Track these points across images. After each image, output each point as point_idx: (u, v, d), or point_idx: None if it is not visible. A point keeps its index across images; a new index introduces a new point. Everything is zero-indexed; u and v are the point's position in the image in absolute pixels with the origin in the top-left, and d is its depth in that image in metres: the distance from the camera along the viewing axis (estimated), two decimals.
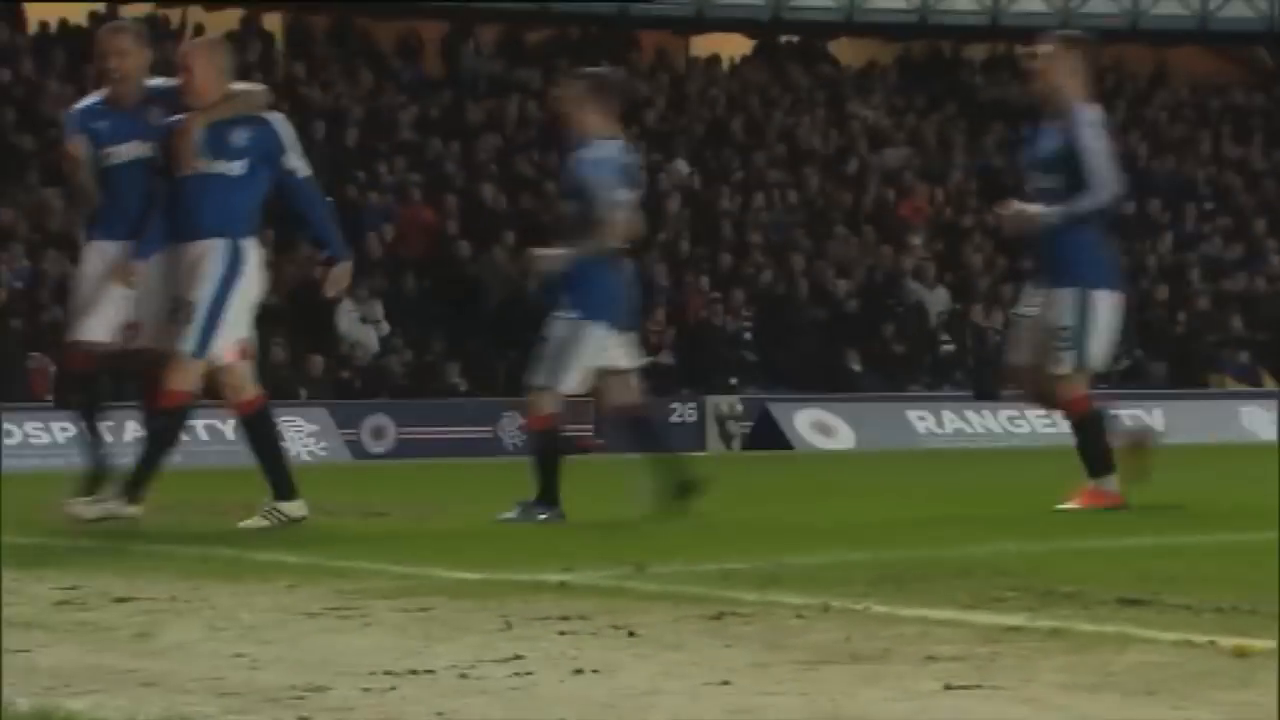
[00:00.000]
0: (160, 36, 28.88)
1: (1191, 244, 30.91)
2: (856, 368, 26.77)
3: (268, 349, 23.89)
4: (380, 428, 23.65)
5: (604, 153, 9.35)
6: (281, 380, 23.75)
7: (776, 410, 25.06)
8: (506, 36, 31.68)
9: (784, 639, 4.96)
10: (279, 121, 9.10)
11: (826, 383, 26.15)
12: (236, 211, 8.93)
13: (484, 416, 24.26)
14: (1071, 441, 9.43)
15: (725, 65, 32.57)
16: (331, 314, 24.89)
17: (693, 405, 24.94)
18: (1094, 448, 9.32)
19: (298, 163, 9.06)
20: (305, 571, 6.84)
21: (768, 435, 24.75)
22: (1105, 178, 9.17)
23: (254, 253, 9.02)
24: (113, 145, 8.97)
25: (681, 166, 29.51)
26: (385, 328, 25.27)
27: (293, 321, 24.68)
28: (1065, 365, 9.25)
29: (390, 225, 26.54)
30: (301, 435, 22.56)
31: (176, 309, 8.88)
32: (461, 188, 27.73)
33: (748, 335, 26.52)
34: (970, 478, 14.25)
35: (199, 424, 20.00)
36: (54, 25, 28.35)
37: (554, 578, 6.39)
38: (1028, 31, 33.14)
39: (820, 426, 24.89)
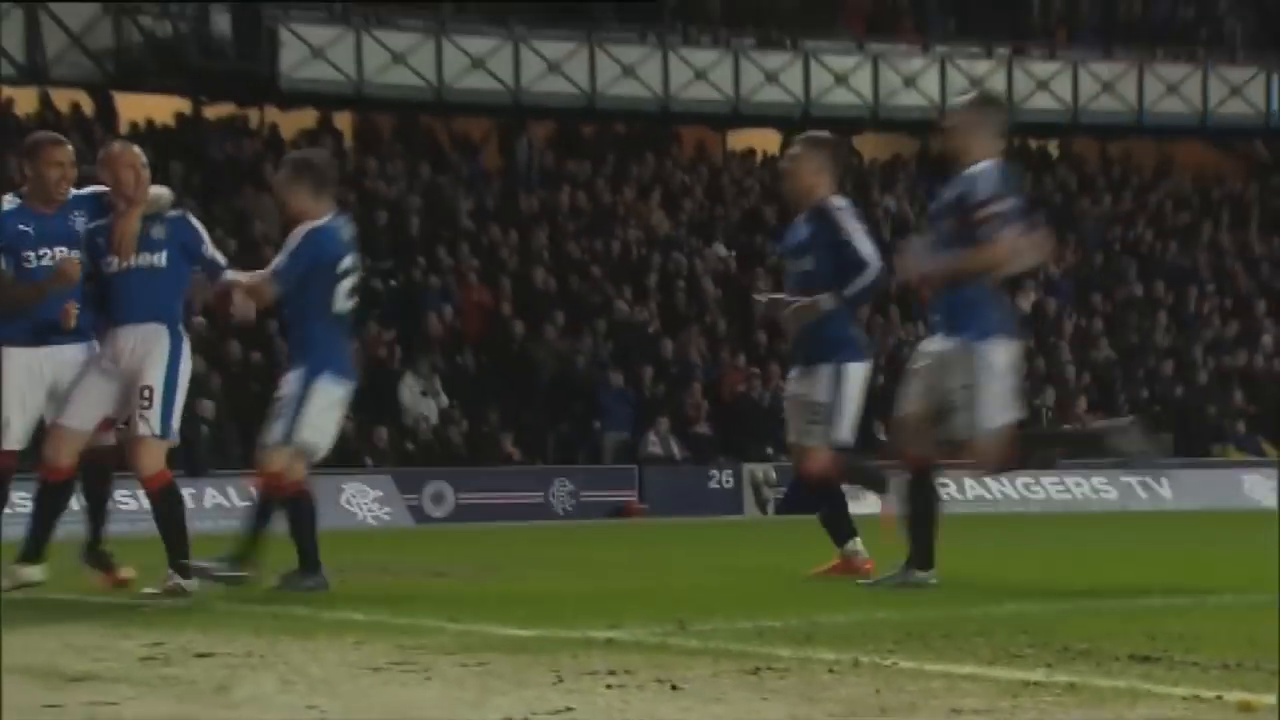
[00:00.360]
0: (240, 134, 29.17)
1: (1194, 324, 30.81)
2: (882, 438, 26.71)
3: None
4: (440, 493, 23.66)
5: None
6: (348, 450, 23.83)
7: None
8: (558, 132, 31.86)
9: (817, 692, 4.93)
10: (190, 217, 9.20)
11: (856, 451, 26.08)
12: (168, 300, 9.01)
13: (536, 483, 24.28)
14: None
15: (759, 158, 32.69)
16: (395, 388, 24.98)
17: (730, 472, 24.89)
18: (835, 519, 9.45)
19: (215, 252, 9.20)
20: (371, 628, 6.82)
21: (800, 501, 24.63)
22: (869, 256, 9.17)
23: (186, 337, 9.10)
24: (39, 248, 8.96)
25: (719, 250, 29.56)
26: (445, 400, 25.33)
27: (359, 396, 24.71)
28: (815, 439, 9.27)
29: (449, 306, 26.64)
30: (367, 500, 22.59)
31: (139, 395, 8.87)
32: (515, 271, 27.84)
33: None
34: (988, 541, 14.16)
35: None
36: (142, 124, 28.65)
37: (601, 634, 6.37)
38: (1039, 127, 33.60)
39: (847, 493, 24.77)
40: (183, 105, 29.02)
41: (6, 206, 9.04)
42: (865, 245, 9.18)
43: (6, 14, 27.13)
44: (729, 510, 24.27)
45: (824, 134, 9.84)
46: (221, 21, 27.97)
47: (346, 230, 9.23)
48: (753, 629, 6.52)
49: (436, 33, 29.57)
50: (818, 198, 9.35)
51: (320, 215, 9.07)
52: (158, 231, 9.04)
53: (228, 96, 29.08)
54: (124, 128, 28.27)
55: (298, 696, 5.07)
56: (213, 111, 29.38)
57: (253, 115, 29.48)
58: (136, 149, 9.23)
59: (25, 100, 28.02)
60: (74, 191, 9.14)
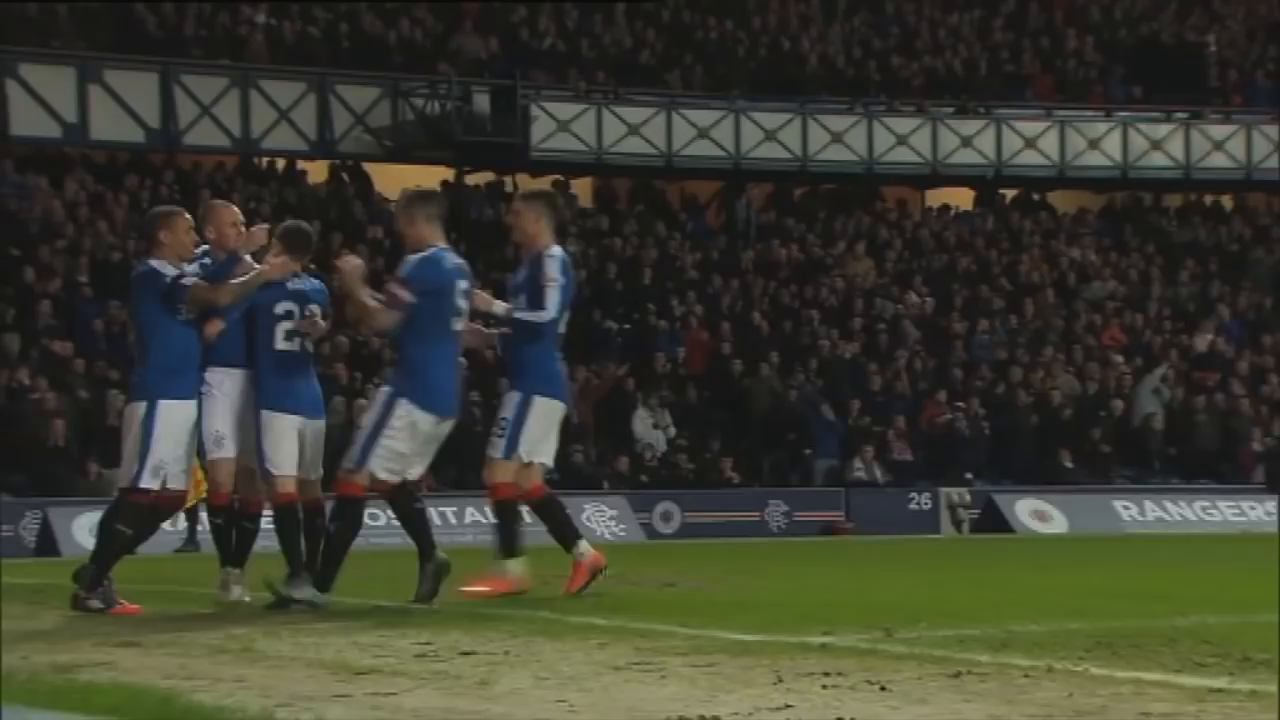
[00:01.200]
0: (497, 198, 29.65)
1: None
2: (1069, 464, 26.17)
3: (568, 451, 24.18)
4: (669, 513, 23.71)
5: None
6: (589, 474, 24.01)
7: (1000, 500, 24.57)
8: (774, 192, 31.85)
9: (1015, 695, 4.83)
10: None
11: (1043, 476, 25.60)
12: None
13: (753, 503, 24.21)
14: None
15: (954, 213, 32.33)
16: (629, 420, 25.11)
17: (928, 495, 24.56)
18: (505, 533, 9.08)
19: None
20: (613, 632, 6.84)
21: (993, 521, 24.26)
22: (552, 303, 8.99)
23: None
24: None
25: (917, 296, 29.27)
26: (672, 431, 25.40)
27: (596, 427, 24.96)
28: (496, 451, 9.03)
29: (677, 347, 26.75)
30: (604, 519, 22.73)
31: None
32: (735, 316, 27.85)
33: (985, 429, 26.16)
34: (1170, 559, 13.75)
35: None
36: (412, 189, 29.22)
37: (817, 639, 6.31)
38: (1217, 184, 32.71)
39: (1038, 514, 24.34)
40: (447, 173, 29.60)
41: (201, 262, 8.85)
42: (553, 296, 9.04)
43: (303, 97, 27.97)
44: (927, 529, 23.94)
45: (543, 189, 9.83)
46: (482, 100, 28.53)
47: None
48: (953, 636, 6.40)
49: (667, 107, 29.78)
50: (538, 246, 9.16)
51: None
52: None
53: (486, 165, 29.59)
54: (397, 193, 28.88)
55: (550, 691, 5.10)
56: (473, 178, 29.92)
57: (507, 181, 29.95)
58: (234, 207, 9.18)
59: (316, 171, 28.84)
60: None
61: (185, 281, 8.50)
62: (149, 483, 8.50)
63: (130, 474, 8.54)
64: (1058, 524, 24.18)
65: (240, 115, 27.50)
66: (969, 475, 25.20)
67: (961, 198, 32.52)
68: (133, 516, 8.59)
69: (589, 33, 30.87)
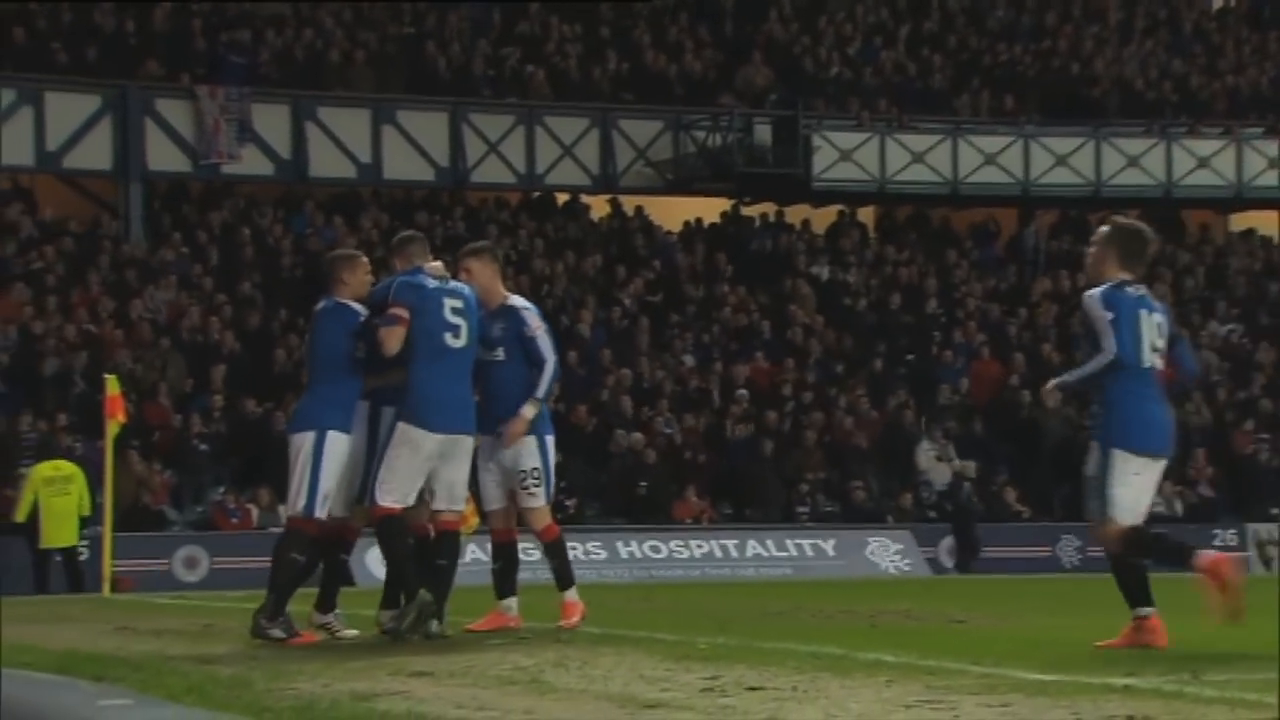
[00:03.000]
0: (777, 230, 29.65)
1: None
2: None
3: (850, 486, 23.95)
4: (954, 547, 23.32)
5: None
6: (872, 509, 23.78)
7: None
8: (1061, 219, 31.12)
9: None
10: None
11: None
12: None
13: (1044, 538, 23.66)
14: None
15: (1259, 237, 31.12)
16: (912, 453, 24.80)
17: (1234, 531, 23.60)
18: (503, 576, 9.35)
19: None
20: (901, 669, 6.72)
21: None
22: (549, 349, 9.33)
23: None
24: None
25: (1218, 328, 28.21)
26: (958, 463, 24.99)
27: (879, 460, 24.71)
28: (537, 500, 9.32)
29: (963, 379, 26.32)
30: (888, 553, 22.47)
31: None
32: (1023, 347, 27.27)
33: None
34: None
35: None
36: (693, 222, 29.50)
37: (1119, 680, 6.09)
38: None
39: None
40: (726, 205, 29.75)
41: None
42: (547, 342, 9.39)
43: (586, 132, 28.48)
44: None
45: (482, 242, 10.00)
46: (763, 131, 28.63)
47: None
48: (1266, 681, 6.10)
49: (953, 133, 29.39)
50: (498, 298, 9.36)
51: None
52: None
53: (767, 196, 29.65)
54: (676, 225, 29.19)
55: None
56: (752, 210, 30.02)
57: (788, 212, 29.95)
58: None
59: (598, 205, 29.32)
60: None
61: (377, 323, 8.79)
62: (319, 512, 8.75)
63: (300, 503, 8.78)
64: None
65: (525, 151, 28.15)
66: (1276, 510, 24.12)
67: (1266, 221, 31.27)
68: (303, 545, 8.83)
69: (872, 60, 30.69)
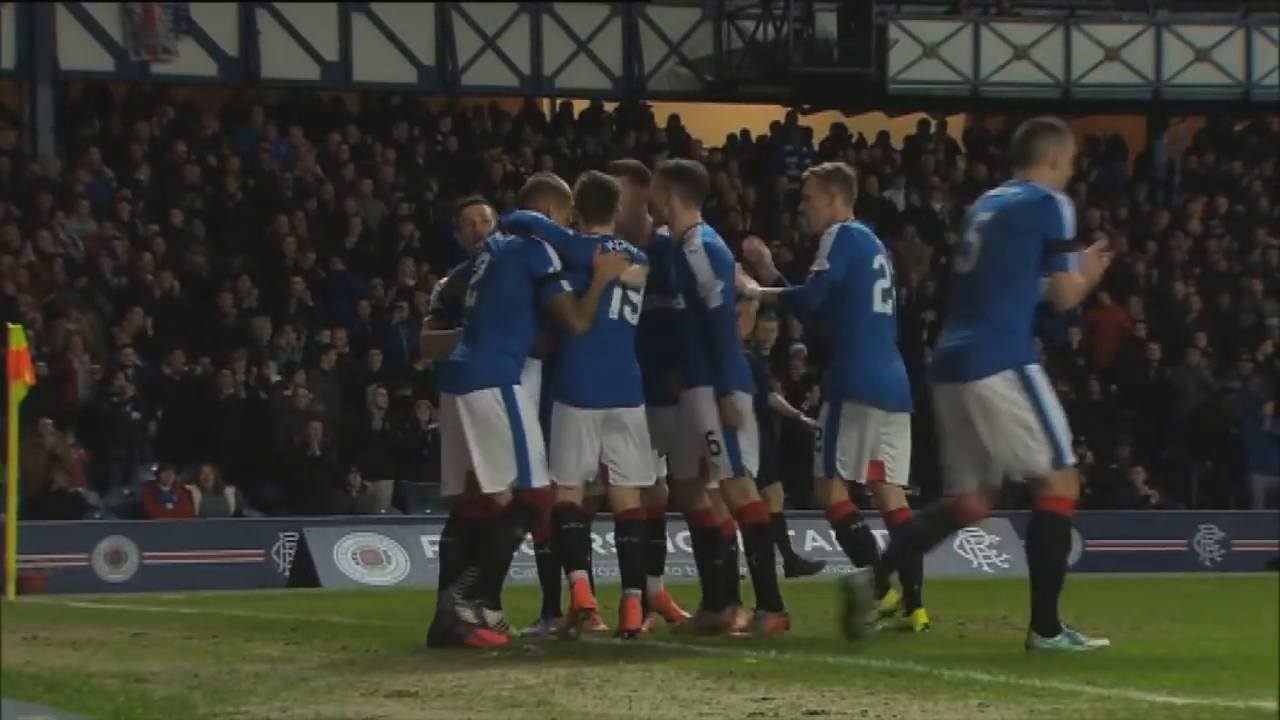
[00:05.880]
0: (844, 144, 29.61)
1: None
2: None
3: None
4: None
5: None
6: None
7: None
8: (1205, 128, 30.97)
9: None
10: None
11: None
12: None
13: (1177, 529, 23.70)
14: None
15: None
16: None
17: None
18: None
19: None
20: (997, 690, 6.75)
21: None
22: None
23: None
24: None
25: None
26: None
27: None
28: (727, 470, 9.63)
29: (1075, 329, 26.26)
30: (982, 547, 22.51)
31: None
32: (1152, 290, 27.20)
33: None
34: None
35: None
36: (738, 136, 29.45)
37: (1270, 704, 6.10)
38: None
39: None
40: (779, 113, 29.66)
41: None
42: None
43: (606, 23, 28.42)
44: None
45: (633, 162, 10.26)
46: (827, 22, 28.40)
47: None
48: None
49: (1065, 21, 29.26)
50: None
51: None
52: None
53: (831, 103, 29.58)
54: (719, 139, 29.15)
55: None
56: (812, 119, 29.94)
57: (858, 122, 29.87)
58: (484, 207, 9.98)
59: (621, 114, 29.25)
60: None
61: (565, 285, 9.21)
62: (542, 479, 9.11)
63: (506, 475, 9.07)
64: None
65: (529, 47, 28.13)
66: None
67: None
68: (529, 519, 9.19)
69: None
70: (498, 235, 9.37)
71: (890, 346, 9.89)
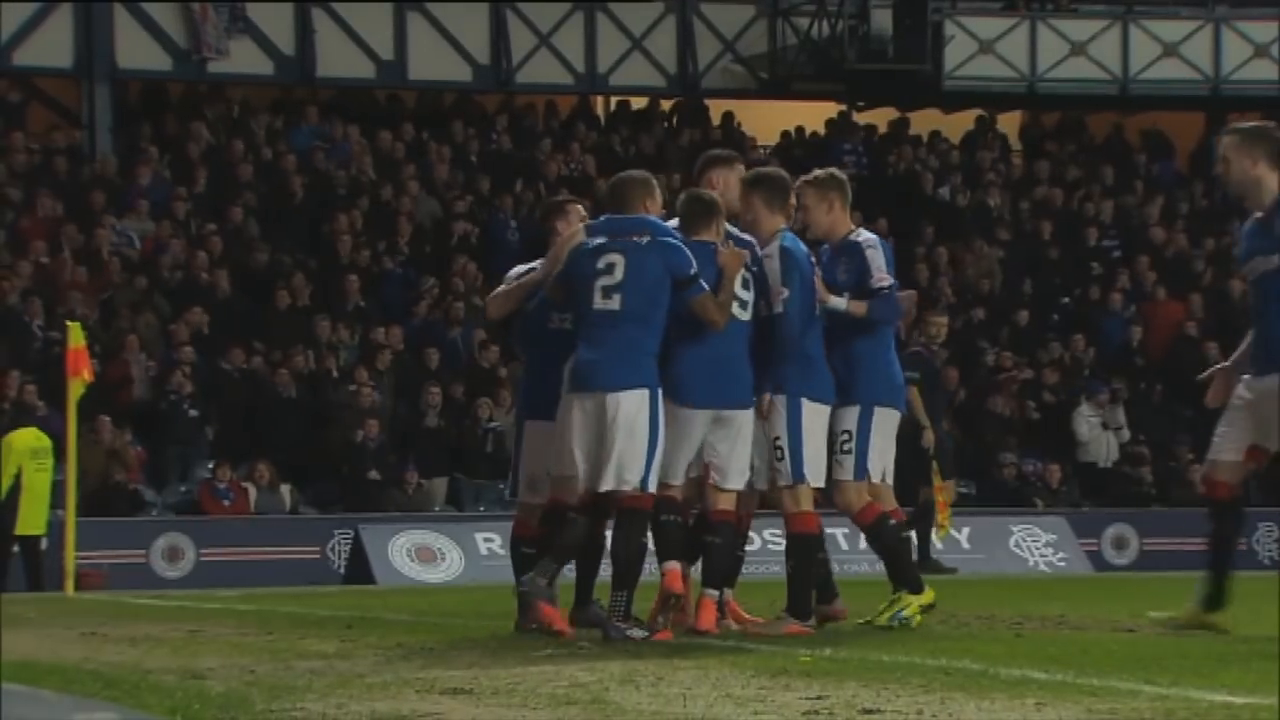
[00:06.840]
0: (900, 142, 29.54)
1: None
2: None
3: (991, 462, 23.94)
4: (1122, 538, 23.27)
5: None
6: (1017, 489, 23.71)
7: None
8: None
9: None
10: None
11: None
12: None
13: None
14: None
15: None
16: (1069, 419, 24.70)
17: None
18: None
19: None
20: (1055, 689, 6.72)
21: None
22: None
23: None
24: None
25: None
26: (1126, 434, 24.86)
27: (1027, 430, 24.63)
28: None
29: (1133, 327, 26.15)
30: (1038, 545, 22.45)
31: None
32: (1210, 285, 27.05)
33: None
34: None
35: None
36: (793, 132, 29.43)
37: None
38: None
39: None
40: (834, 110, 29.62)
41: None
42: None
43: (660, 21, 28.43)
44: None
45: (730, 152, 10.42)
46: (883, 18, 28.37)
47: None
48: None
49: (1123, 17, 29.12)
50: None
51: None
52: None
53: (886, 100, 29.52)
54: (773, 137, 29.12)
55: None
56: (868, 116, 29.89)
57: (913, 119, 29.79)
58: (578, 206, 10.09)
59: (675, 112, 29.25)
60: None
61: (704, 285, 9.31)
62: (654, 485, 9.24)
63: (634, 476, 9.15)
64: None
65: (583, 45, 28.16)
66: None
67: None
68: (642, 523, 9.28)
69: None
70: (634, 237, 9.34)
71: (893, 351, 10.18)
